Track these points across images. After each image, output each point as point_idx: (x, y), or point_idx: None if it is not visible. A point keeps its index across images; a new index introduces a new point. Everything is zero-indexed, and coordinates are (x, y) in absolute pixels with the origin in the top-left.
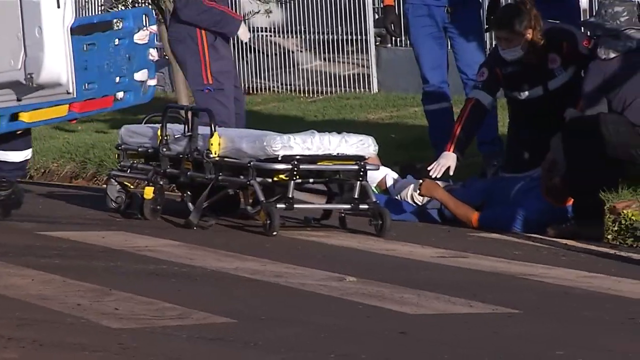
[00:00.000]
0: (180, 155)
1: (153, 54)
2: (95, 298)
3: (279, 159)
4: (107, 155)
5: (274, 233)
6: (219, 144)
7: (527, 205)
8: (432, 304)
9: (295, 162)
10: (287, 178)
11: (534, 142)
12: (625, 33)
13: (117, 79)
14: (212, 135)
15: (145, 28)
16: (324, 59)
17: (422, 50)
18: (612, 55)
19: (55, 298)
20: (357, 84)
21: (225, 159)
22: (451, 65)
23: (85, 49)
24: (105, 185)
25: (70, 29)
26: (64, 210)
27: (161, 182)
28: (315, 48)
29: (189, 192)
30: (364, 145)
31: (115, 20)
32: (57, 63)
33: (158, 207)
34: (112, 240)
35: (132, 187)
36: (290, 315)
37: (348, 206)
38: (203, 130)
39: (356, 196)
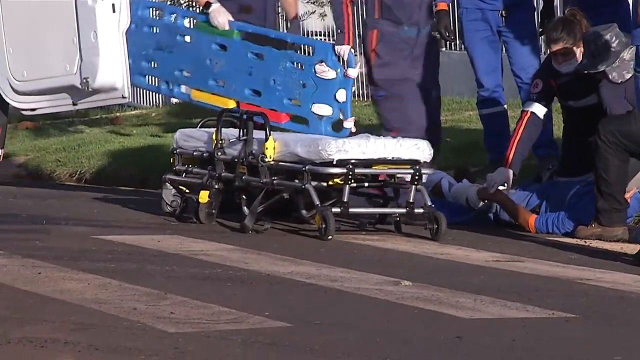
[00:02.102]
0: (235, 160)
1: (341, 96)
2: (150, 302)
3: (334, 162)
4: (162, 159)
5: (329, 237)
6: (274, 148)
7: (583, 208)
8: (488, 308)
9: (351, 166)
10: (342, 182)
11: (589, 147)
12: (626, 55)
13: (285, 101)
14: (267, 139)
15: (322, 63)
16: None
17: (477, 55)
18: (627, 76)
19: (111, 302)
20: None
21: (280, 163)
22: (505, 69)
23: (251, 56)
24: (160, 190)
25: (247, 33)
26: (119, 214)
27: (216, 186)
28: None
29: (244, 196)
30: (419, 149)
31: (292, 44)
32: (113, 67)
33: (213, 211)
34: (167, 244)
35: (187, 191)
36: (345, 319)
37: (403, 210)
38: (258, 134)
39: (411, 200)
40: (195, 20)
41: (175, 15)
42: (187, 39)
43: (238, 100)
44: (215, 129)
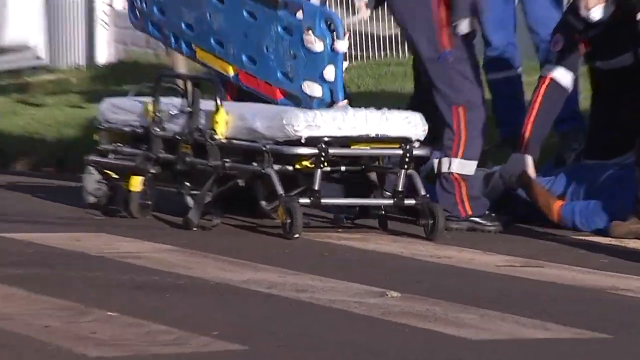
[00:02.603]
0: (177, 137)
1: (329, 74)
2: (68, 318)
3: (303, 141)
4: (83, 136)
5: (296, 235)
6: (226, 122)
7: (619, 198)
8: (497, 326)
9: (323, 146)
10: (313, 165)
11: (624, 122)
12: None
13: (279, 73)
14: (217, 111)
15: (309, 31)
16: None
17: (484, 6)
18: None
19: (18, 318)
20: (400, 47)
21: (234, 141)
22: (520, 23)
23: (246, 14)
24: (81, 175)
25: None
26: (27, 206)
27: (152, 170)
28: (348, 2)
29: (187, 183)
30: (410, 124)
31: (283, 3)
32: (25, 23)
33: (148, 202)
34: (89, 245)
35: (115, 176)
36: (315, 340)
37: (390, 201)
38: (206, 105)
39: (400, 189)
40: None
41: None
42: None
43: (237, 67)
44: (152, 98)
